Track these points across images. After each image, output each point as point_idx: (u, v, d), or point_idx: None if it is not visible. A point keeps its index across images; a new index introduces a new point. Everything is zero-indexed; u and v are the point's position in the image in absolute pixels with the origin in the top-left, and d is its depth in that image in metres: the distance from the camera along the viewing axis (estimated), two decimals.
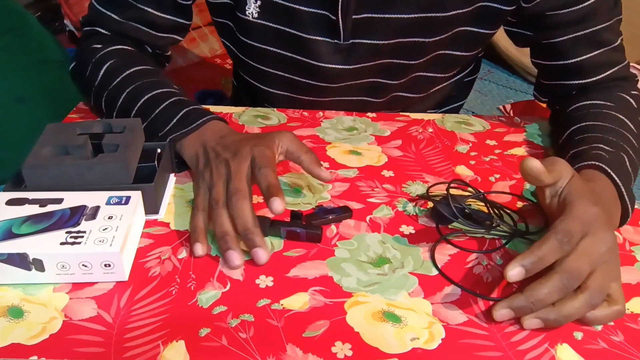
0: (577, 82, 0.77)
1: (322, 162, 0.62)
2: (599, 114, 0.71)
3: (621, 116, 0.70)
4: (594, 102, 0.74)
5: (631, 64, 2.13)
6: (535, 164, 0.51)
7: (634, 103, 0.74)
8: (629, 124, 0.69)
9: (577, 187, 0.53)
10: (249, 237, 0.52)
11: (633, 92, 0.76)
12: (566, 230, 0.47)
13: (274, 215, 0.52)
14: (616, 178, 0.58)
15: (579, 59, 0.76)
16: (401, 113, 0.86)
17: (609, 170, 0.59)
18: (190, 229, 0.56)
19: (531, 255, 0.46)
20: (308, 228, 0.56)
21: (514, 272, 0.45)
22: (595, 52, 0.75)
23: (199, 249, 0.53)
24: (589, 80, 0.76)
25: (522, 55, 2.54)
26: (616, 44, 0.76)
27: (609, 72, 0.76)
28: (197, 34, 1.90)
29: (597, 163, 0.59)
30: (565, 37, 0.75)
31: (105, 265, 0.48)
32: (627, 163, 0.62)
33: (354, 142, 0.76)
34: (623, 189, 0.58)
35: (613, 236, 0.50)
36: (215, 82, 1.81)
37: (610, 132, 0.67)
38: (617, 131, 0.67)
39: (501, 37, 2.59)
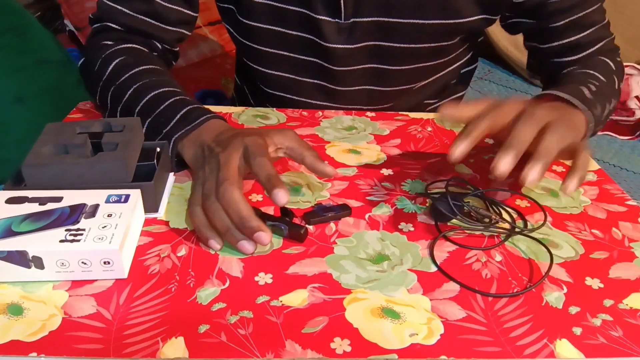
0: (569, 58, 0.83)
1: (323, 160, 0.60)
2: (574, 73, 0.79)
3: (592, 71, 0.77)
4: (575, 68, 0.81)
5: (631, 64, 2.14)
6: (444, 111, 0.58)
7: (612, 65, 0.82)
8: (599, 75, 0.76)
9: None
10: (246, 226, 0.52)
11: (616, 59, 0.84)
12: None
13: (278, 206, 0.51)
14: (561, 94, 0.66)
15: (572, 39, 0.81)
16: (400, 113, 0.86)
17: (555, 92, 0.66)
18: (194, 227, 0.55)
19: (466, 132, 0.54)
20: (291, 226, 0.56)
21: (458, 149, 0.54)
22: (587, 32, 0.81)
23: (216, 244, 0.53)
24: (580, 55, 0.82)
25: (522, 55, 2.53)
26: (604, 22, 0.82)
27: (597, 47, 0.83)
28: (197, 34, 1.90)
29: (546, 92, 0.68)
30: (561, 22, 0.80)
31: (105, 262, 0.48)
32: (587, 92, 0.69)
33: (353, 141, 0.76)
34: (572, 99, 0.65)
35: (557, 112, 0.58)
36: (215, 82, 1.81)
37: (573, 78, 0.76)
38: (582, 75, 0.75)
39: (501, 37, 2.60)
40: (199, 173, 0.59)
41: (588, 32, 0.80)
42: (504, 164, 0.51)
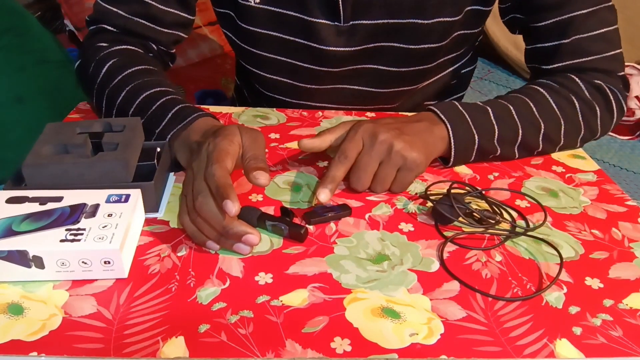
0: (545, 66, 0.77)
1: (265, 169, 0.55)
2: (524, 87, 0.75)
3: (542, 89, 0.73)
4: (541, 80, 0.76)
5: (631, 64, 2.13)
6: (304, 142, 0.64)
7: (584, 90, 0.73)
8: (547, 96, 0.72)
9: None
10: (230, 233, 0.52)
11: (596, 82, 0.73)
12: (341, 151, 0.62)
13: (230, 215, 0.50)
14: (435, 108, 0.68)
15: (553, 43, 0.75)
16: (400, 113, 0.86)
17: (433, 108, 0.68)
18: (189, 234, 0.55)
19: (328, 178, 0.60)
20: (291, 226, 0.56)
21: (323, 195, 0.59)
22: (570, 39, 0.74)
23: (214, 245, 0.53)
24: (555, 65, 0.76)
25: (522, 55, 2.54)
26: (594, 32, 0.73)
27: (578, 60, 0.74)
28: (197, 34, 1.90)
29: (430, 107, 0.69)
30: (544, 22, 0.75)
31: (105, 262, 0.48)
32: (491, 113, 0.69)
33: None
34: (442, 115, 0.67)
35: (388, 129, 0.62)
36: (215, 82, 1.80)
37: (503, 97, 0.73)
38: (514, 96, 0.72)
39: (501, 37, 2.60)
40: (187, 175, 0.59)
41: (571, 39, 0.73)
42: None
